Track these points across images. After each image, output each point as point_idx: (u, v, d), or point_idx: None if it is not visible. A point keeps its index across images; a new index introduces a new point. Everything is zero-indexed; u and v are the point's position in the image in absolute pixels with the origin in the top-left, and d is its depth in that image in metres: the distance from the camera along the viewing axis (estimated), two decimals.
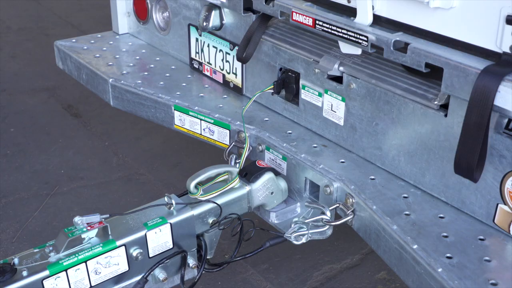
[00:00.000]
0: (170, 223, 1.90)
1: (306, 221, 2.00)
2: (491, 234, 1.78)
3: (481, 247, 1.73)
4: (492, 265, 1.66)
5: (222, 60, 2.67)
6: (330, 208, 1.99)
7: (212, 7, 2.61)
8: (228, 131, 2.40)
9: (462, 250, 1.71)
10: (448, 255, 1.68)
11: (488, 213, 1.79)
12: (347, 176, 2.04)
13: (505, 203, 1.72)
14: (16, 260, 1.72)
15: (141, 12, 3.17)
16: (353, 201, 1.96)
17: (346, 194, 1.99)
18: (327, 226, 1.99)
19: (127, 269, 1.87)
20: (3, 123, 4.45)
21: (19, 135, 4.31)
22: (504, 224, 1.75)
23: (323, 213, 1.98)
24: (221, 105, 2.54)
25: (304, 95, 2.32)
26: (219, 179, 2.05)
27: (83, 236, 1.78)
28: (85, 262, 1.76)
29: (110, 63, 2.96)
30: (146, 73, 2.86)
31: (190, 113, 2.50)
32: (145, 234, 1.86)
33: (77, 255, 1.75)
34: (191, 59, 2.88)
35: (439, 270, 1.62)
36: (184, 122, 2.53)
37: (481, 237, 1.77)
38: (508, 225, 1.74)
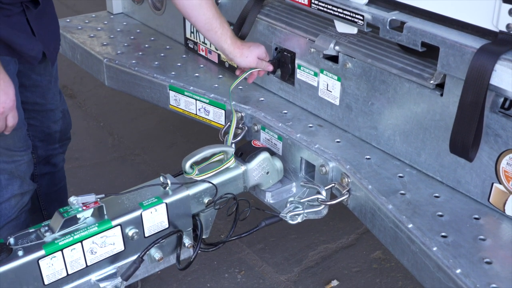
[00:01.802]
0: (166, 203, 1.90)
1: (301, 200, 2.01)
2: (486, 213, 1.78)
3: (476, 226, 1.74)
4: (487, 243, 1.67)
5: None
6: (326, 188, 1.99)
7: None
8: (223, 111, 2.39)
9: (457, 229, 1.71)
10: (443, 234, 1.69)
11: (483, 192, 1.79)
12: (342, 156, 2.04)
13: (500, 182, 1.72)
14: (11, 240, 1.72)
15: None
16: (349, 180, 1.96)
17: (341, 174, 1.99)
18: (323, 206, 2.00)
19: (123, 248, 1.87)
20: None
21: None
22: (499, 203, 1.75)
23: (319, 193, 1.98)
24: (216, 85, 2.53)
25: (300, 74, 2.31)
26: (214, 159, 2.05)
27: (78, 216, 1.78)
28: (81, 241, 1.76)
29: (105, 43, 2.94)
30: (141, 53, 2.84)
31: (185, 93, 2.49)
32: (141, 214, 1.86)
33: (72, 235, 1.75)
34: (186, 39, 2.87)
35: (434, 249, 1.63)
36: (179, 102, 2.53)
37: (476, 216, 1.77)
38: (503, 204, 1.74)
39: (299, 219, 2.01)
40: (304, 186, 2.07)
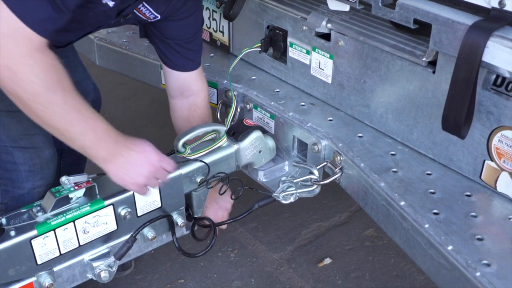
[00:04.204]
0: None
1: (294, 181, 2.00)
2: (478, 190, 1.79)
3: (468, 203, 1.74)
4: (478, 220, 1.68)
5: (209, 18, 2.64)
6: (318, 167, 1.99)
7: None
8: (215, 90, 2.39)
9: (449, 206, 1.72)
10: (435, 211, 1.69)
11: (475, 170, 1.80)
12: (335, 134, 2.04)
13: (491, 159, 1.73)
14: (3, 220, 1.72)
15: None
16: (341, 159, 1.96)
17: (334, 152, 1.99)
18: (315, 186, 2.00)
19: (116, 228, 1.87)
20: None
21: None
22: (491, 180, 1.76)
23: (311, 173, 1.98)
24: (208, 64, 2.52)
25: (292, 53, 2.30)
26: (206, 138, 2.04)
27: (70, 195, 1.78)
28: (73, 221, 1.76)
29: None
30: (132, 32, 2.81)
31: None
32: (133, 193, 1.86)
33: (65, 214, 1.75)
34: None
35: (426, 226, 1.64)
36: None
37: (468, 193, 1.78)
38: (495, 181, 1.75)
39: (291, 199, 2.02)
40: (297, 166, 2.07)
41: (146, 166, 1.77)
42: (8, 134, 1.94)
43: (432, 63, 1.82)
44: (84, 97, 2.31)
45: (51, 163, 2.08)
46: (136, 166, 1.75)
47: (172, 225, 2.00)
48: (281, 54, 2.36)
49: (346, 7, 1.99)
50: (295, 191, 2.00)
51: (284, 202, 2.01)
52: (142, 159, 1.76)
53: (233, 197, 2.06)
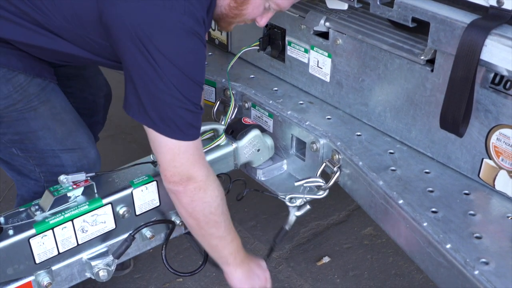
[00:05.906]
0: (157, 181, 1.90)
1: (306, 197, 2.05)
2: (476, 189, 1.79)
3: (466, 201, 1.74)
4: (477, 219, 1.68)
5: None
6: (318, 173, 2.00)
7: None
8: (214, 89, 2.38)
9: (447, 205, 1.72)
10: (433, 209, 1.69)
11: (473, 168, 1.80)
12: (333, 133, 2.03)
13: (490, 157, 1.73)
14: (1, 219, 1.72)
15: None
16: (339, 157, 1.96)
17: (332, 151, 1.99)
18: (322, 191, 2.01)
19: (114, 227, 1.87)
20: None
21: None
22: (489, 179, 1.76)
23: (317, 182, 1.99)
24: (206, 62, 2.50)
25: (290, 51, 2.29)
26: (204, 136, 2.05)
27: (69, 194, 1.78)
28: (72, 220, 1.76)
29: None
30: None
31: None
32: (131, 192, 1.86)
33: (63, 213, 1.75)
34: None
35: (424, 224, 1.64)
36: None
37: (466, 191, 1.78)
38: (493, 179, 1.75)
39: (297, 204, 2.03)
40: (302, 185, 2.06)
41: (262, 280, 2.07)
42: (55, 137, 1.94)
43: (431, 62, 1.82)
44: (97, 91, 2.29)
45: (98, 164, 2.09)
46: (256, 276, 2.05)
47: (171, 227, 2.00)
48: (280, 53, 2.35)
49: (344, 6, 1.99)
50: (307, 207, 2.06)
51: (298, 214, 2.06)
52: (260, 273, 2.07)
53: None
